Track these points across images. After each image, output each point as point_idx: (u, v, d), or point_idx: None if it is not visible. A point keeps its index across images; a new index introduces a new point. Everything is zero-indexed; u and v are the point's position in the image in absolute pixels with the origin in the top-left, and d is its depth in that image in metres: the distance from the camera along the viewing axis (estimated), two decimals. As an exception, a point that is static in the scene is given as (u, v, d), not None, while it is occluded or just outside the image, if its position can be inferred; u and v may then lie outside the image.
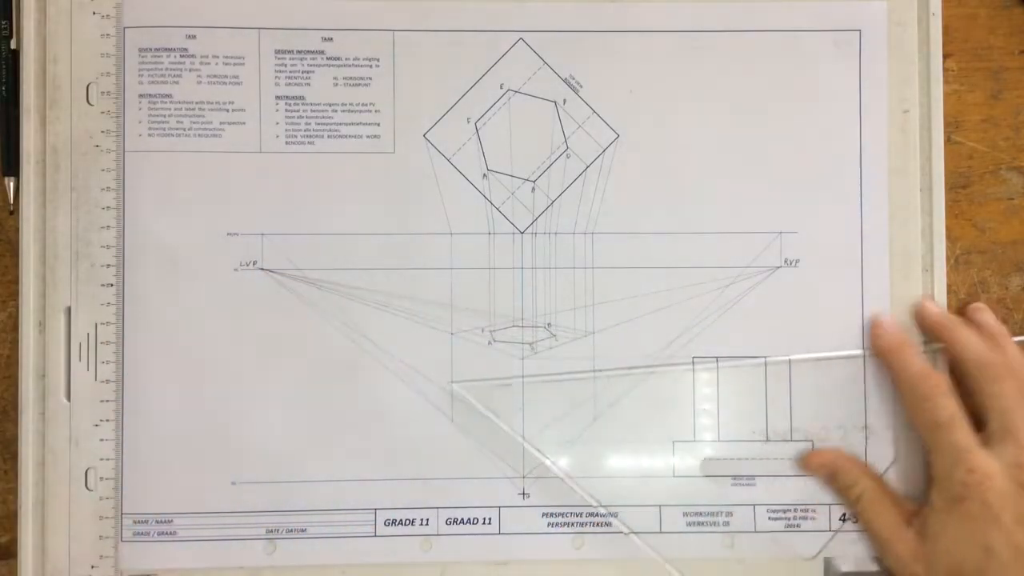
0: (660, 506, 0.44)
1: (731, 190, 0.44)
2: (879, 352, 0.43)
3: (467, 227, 0.44)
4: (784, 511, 0.44)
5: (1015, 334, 0.45)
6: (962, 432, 0.40)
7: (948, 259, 0.45)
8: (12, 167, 0.44)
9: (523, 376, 0.44)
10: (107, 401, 0.43)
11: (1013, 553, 0.38)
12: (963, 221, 0.46)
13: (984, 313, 0.44)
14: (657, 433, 0.44)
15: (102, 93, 0.44)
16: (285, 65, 0.44)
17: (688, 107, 0.44)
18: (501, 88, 0.44)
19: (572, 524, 0.44)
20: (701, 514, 0.44)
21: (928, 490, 0.41)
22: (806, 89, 0.45)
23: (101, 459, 0.43)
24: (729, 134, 0.44)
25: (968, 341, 0.42)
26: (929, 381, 0.42)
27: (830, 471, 0.43)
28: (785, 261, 0.44)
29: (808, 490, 0.44)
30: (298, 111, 0.44)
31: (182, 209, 0.44)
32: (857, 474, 0.43)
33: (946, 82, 0.45)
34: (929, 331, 0.44)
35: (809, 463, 0.44)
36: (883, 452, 0.44)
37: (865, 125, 0.45)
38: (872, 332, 0.44)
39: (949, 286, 0.45)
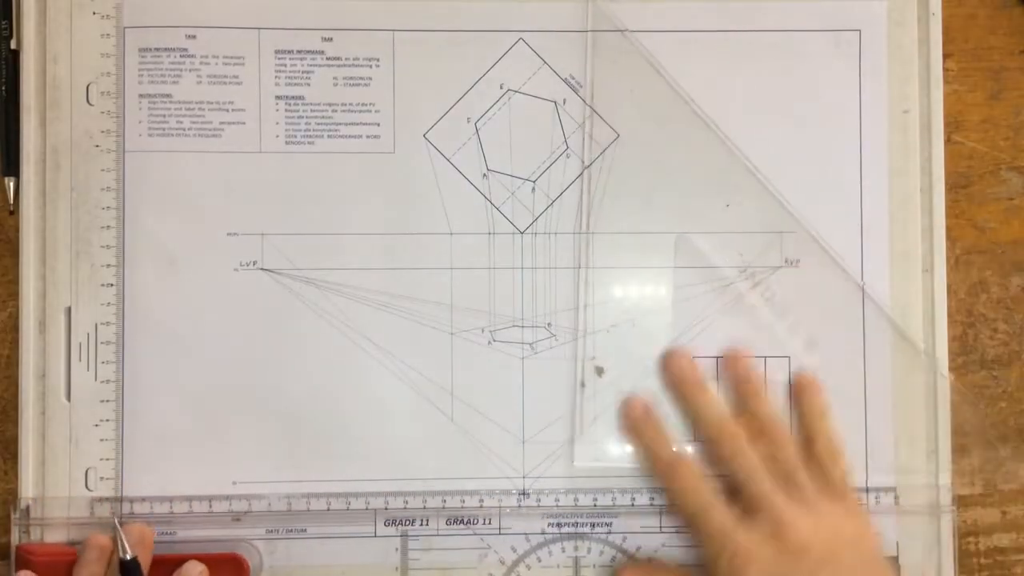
0: (661, 507, 0.44)
1: (731, 190, 0.44)
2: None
3: (467, 227, 0.44)
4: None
5: (1016, 335, 0.45)
6: (719, 513, 0.40)
7: (948, 259, 0.45)
8: (12, 167, 0.44)
9: (523, 376, 0.44)
10: (107, 401, 0.43)
11: None
12: (963, 221, 0.46)
13: (736, 366, 0.43)
14: (657, 433, 0.44)
15: (102, 93, 0.44)
16: (285, 65, 0.44)
17: (688, 107, 0.44)
18: (501, 88, 0.44)
19: (572, 525, 0.44)
20: (701, 514, 0.44)
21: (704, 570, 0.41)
22: (806, 89, 0.45)
23: (101, 459, 0.43)
24: (729, 134, 0.44)
25: (709, 406, 0.42)
26: (679, 469, 0.42)
27: None
28: (785, 261, 0.44)
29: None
30: (298, 111, 0.44)
31: (182, 209, 0.44)
32: None
33: (946, 82, 0.45)
34: (672, 387, 0.43)
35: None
36: (883, 451, 0.44)
37: (865, 125, 0.45)
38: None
39: (949, 286, 0.45)
